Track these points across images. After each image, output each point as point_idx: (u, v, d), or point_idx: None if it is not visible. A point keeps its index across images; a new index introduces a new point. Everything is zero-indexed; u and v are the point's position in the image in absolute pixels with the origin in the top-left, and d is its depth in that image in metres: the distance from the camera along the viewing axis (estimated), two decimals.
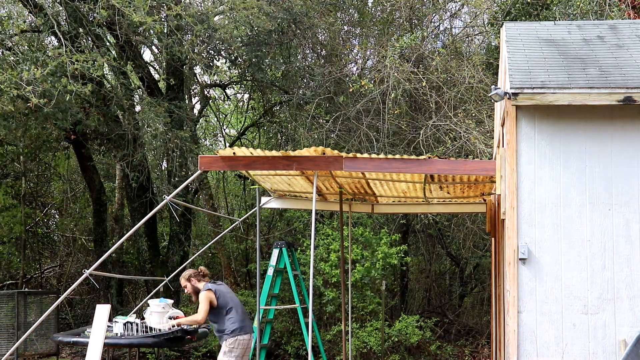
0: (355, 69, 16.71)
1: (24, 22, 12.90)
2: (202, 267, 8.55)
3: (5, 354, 11.80)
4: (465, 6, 16.71)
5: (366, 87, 14.16)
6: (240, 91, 19.00)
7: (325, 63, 15.64)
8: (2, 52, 12.83)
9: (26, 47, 12.90)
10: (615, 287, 6.91)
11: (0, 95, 11.19)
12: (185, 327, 8.32)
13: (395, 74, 13.72)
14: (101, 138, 14.84)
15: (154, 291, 11.83)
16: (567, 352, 6.87)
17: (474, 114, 13.91)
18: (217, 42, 13.82)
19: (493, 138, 12.23)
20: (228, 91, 18.35)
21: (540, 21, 12.12)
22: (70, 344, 11.61)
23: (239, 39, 13.61)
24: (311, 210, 10.37)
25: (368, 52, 16.50)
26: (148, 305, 8.82)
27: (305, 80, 15.71)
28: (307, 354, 13.68)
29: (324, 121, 15.04)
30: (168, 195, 8.22)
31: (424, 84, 13.96)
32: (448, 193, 10.55)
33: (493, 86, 7.28)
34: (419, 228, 16.74)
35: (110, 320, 8.43)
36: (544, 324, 6.91)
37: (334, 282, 13.77)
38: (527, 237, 7.01)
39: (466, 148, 13.38)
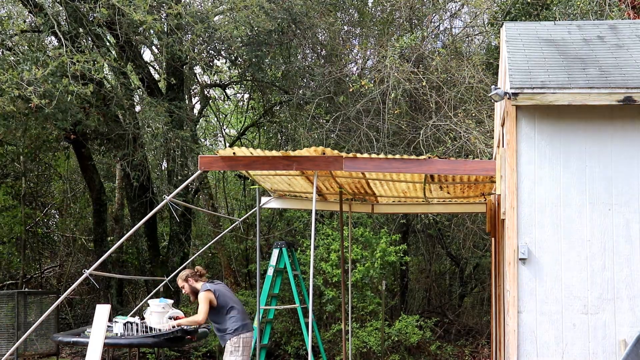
0: (355, 69, 16.71)
1: (24, 22, 12.90)
2: (199, 267, 8.54)
3: (5, 354, 11.80)
4: (465, 6, 16.71)
5: (366, 87, 14.16)
6: (240, 91, 19.01)
7: (325, 63, 15.64)
8: (3, 52, 12.83)
9: (26, 47, 12.90)
10: (615, 287, 6.91)
11: (1, 95, 11.19)
12: (185, 327, 8.32)
13: (395, 74, 13.72)
14: (101, 138, 14.85)
15: (154, 291, 11.83)
16: (567, 352, 6.87)
17: (474, 114, 13.91)
18: (217, 42, 13.82)
19: (493, 138, 12.23)
20: (228, 91, 18.35)
21: (540, 21, 12.12)
22: (70, 344, 11.61)
23: (239, 39, 13.61)
24: (311, 210, 10.37)
25: (368, 52, 16.50)
26: (148, 305, 8.82)
27: (305, 80, 15.71)
28: (307, 354, 13.68)
29: (324, 121, 15.04)
30: (168, 195, 8.22)
31: (424, 84, 13.96)
32: (448, 193, 10.55)
33: (493, 86, 7.28)
34: (419, 228, 16.75)
35: (110, 320, 8.42)
36: (544, 324, 6.92)
37: (334, 282, 13.77)
38: (527, 237, 7.01)
39: (466, 148, 13.38)
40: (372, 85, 14.16)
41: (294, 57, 15.83)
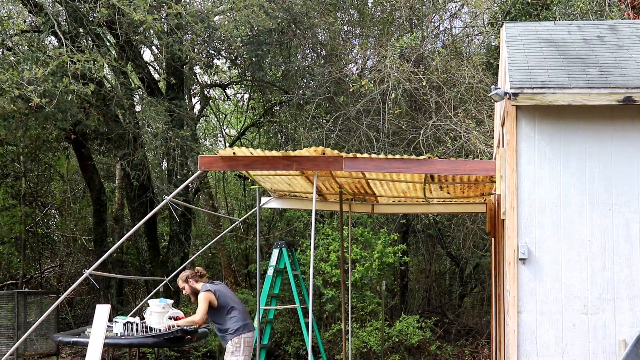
0: (355, 69, 16.71)
1: (24, 22, 12.91)
2: (199, 268, 8.53)
3: (5, 354, 11.80)
4: (465, 6, 16.71)
5: (366, 87, 14.16)
6: (240, 91, 19.00)
7: (325, 63, 15.63)
8: (3, 52, 12.83)
9: (26, 47, 12.90)
10: (615, 287, 6.91)
11: (1, 95, 11.19)
12: (185, 327, 8.32)
13: (395, 74, 13.72)
14: (101, 138, 14.85)
15: (154, 291, 11.83)
16: (567, 352, 6.87)
17: (474, 114, 13.91)
18: (217, 41, 13.82)
19: (493, 138, 12.23)
20: (228, 91, 18.35)
21: (540, 21, 12.12)
22: (70, 344, 11.61)
23: (239, 39, 13.62)
24: (311, 210, 10.37)
25: (368, 52, 16.50)
26: (148, 305, 8.82)
27: (305, 80, 15.71)
28: (307, 354, 13.68)
29: (324, 121, 15.04)
30: (168, 195, 8.21)
31: (424, 84, 13.96)
32: (448, 193, 10.55)
33: (493, 86, 7.28)
34: (419, 228, 16.74)
35: (110, 320, 8.42)
36: (544, 324, 6.91)
37: (333, 282, 13.77)
38: (527, 237, 7.01)
39: (466, 148, 13.38)
40: (372, 85, 14.16)
41: (294, 57, 15.82)
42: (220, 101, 19.51)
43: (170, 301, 8.90)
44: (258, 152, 7.81)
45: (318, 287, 13.88)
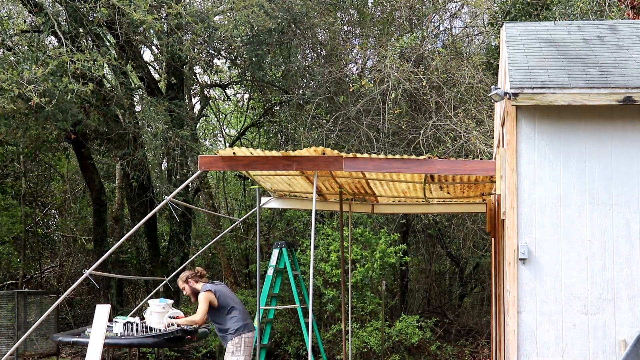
0: (355, 69, 16.71)
1: (24, 21, 12.91)
2: (199, 268, 8.53)
3: (5, 354, 11.80)
4: (465, 6, 16.71)
5: (366, 87, 14.16)
6: (240, 91, 19.01)
7: (325, 63, 15.63)
8: (3, 52, 12.83)
9: (26, 47, 12.90)
10: (615, 287, 6.91)
11: (1, 95, 11.19)
12: (185, 327, 8.31)
13: (395, 74, 13.72)
14: (101, 138, 14.85)
15: (154, 291, 11.83)
16: (567, 352, 6.87)
17: (474, 114, 13.91)
18: (217, 41, 13.82)
19: (493, 138, 12.23)
20: (228, 91, 18.35)
21: (540, 21, 12.12)
22: (70, 344, 11.61)
23: (239, 39, 13.62)
24: (311, 210, 10.37)
25: (368, 52, 16.50)
26: (148, 305, 8.82)
27: (305, 80, 15.71)
28: (307, 354, 13.68)
29: (324, 121, 15.04)
30: (168, 195, 8.21)
31: (424, 83, 13.96)
32: (448, 193, 10.55)
33: (493, 86, 7.28)
34: (419, 228, 16.74)
35: (110, 320, 8.42)
36: (544, 324, 6.91)
37: (334, 282, 13.77)
38: (527, 237, 7.01)
39: (466, 148, 13.38)
40: (372, 85, 14.16)
41: (294, 57, 15.83)
42: (220, 101, 19.52)
43: (170, 301, 8.90)
44: (258, 152, 7.81)
45: (318, 287, 13.88)
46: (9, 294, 13.24)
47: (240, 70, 15.38)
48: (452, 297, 17.92)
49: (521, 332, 6.93)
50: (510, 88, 6.95)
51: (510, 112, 7.07)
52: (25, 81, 10.84)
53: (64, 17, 12.63)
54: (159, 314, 8.61)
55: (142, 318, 8.81)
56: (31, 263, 18.53)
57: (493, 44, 16.01)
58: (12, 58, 11.88)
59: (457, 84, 14.18)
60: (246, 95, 18.73)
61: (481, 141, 13.06)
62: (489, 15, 16.20)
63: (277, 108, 17.01)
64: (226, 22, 13.34)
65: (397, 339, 13.75)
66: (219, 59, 14.84)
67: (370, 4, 17.08)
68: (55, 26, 11.87)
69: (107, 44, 14.21)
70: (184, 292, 8.49)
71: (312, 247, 7.83)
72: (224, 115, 20.04)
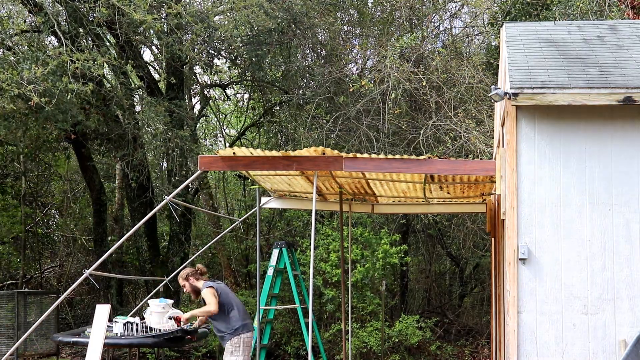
0: (355, 69, 16.71)
1: (24, 21, 12.91)
2: (199, 265, 8.51)
3: (5, 354, 11.80)
4: (465, 6, 16.72)
5: (366, 87, 14.16)
6: (240, 91, 19.01)
7: (325, 63, 15.64)
8: (3, 52, 12.84)
9: (26, 47, 12.91)
10: (615, 287, 6.91)
11: (2, 95, 11.19)
12: (185, 327, 8.31)
13: (395, 74, 13.72)
14: (101, 138, 14.85)
15: (154, 291, 11.83)
16: (567, 352, 6.87)
17: (474, 114, 13.91)
18: (217, 41, 13.82)
19: (493, 138, 12.23)
20: (228, 91, 18.35)
21: (540, 21, 12.12)
22: (70, 344, 11.61)
23: (239, 39, 13.62)
24: (311, 210, 10.37)
25: (368, 52, 16.50)
26: (148, 305, 8.82)
27: (305, 80, 15.71)
28: (307, 354, 13.69)
29: (324, 121, 15.04)
30: (168, 195, 8.21)
31: (424, 83, 13.96)
32: (448, 193, 10.55)
33: (493, 86, 7.28)
34: (419, 228, 16.74)
35: (110, 320, 8.42)
36: (544, 324, 6.91)
37: (333, 282, 13.77)
38: (527, 237, 7.01)
39: (466, 148, 13.38)
40: (372, 85, 14.16)
41: (294, 57, 15.83)
42: (220, 101, 19.52)
43: (170, 301, 8.90)
44: (258, 152, 7.81)
45: (318, 287, 13.88)
46: (9, 294, 13.24)
47: (240, 70, 15.38)
48: (452, 297, 17.92)
49: (521, 332, 6.93)
50: (510, 88, 6.95)
51: (510, 112, 7.07)
52: (25, 81, 10.84)
53: (64, 17, 12.63)
54: (159, 314, 8.61)
55: (142, 318, 8.81)
56: (31, 263, 18.53)
57: (493, 44, 16.01)
58: (12, 58, 11.88)
59: (457, 84, 14.18)
60: (246, 95, 18.73)
61: (481, 141, 13.06)
62: (489, 15, 16.20)
63: (277, 108, 17.01)
64: (226, 22, 13.34)
65: (397, 339, 13.75)
66: (219, 59, 14.85)
67: (370, 4, 17.08)
68: (55, 26, 11.87)
69: (107, 44, 14.21)
70: (185, 290, 8.47)
71: (312, 247, 7.83)
72: (224, 115, 20.04)
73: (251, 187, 16.65)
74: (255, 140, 18.90)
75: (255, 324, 10.37)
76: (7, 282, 17.87)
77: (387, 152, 13.87)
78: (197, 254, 13.25)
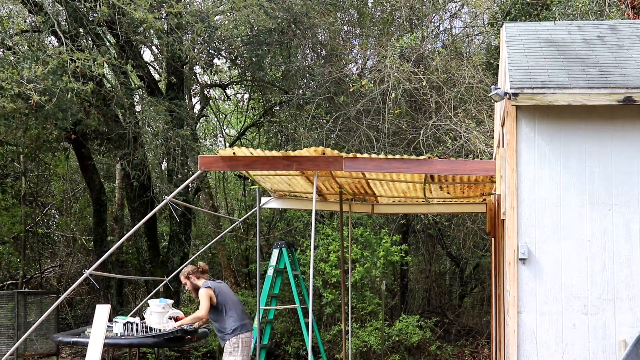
0: (355, 69, 16.71)
1: (24, 21, 12.91)
2: (200, 263, 8.50)
3: (5, 354, 11.80)
4: (465, 6, 16.71)
5: (366, 87, 14.16)
6: (240, 91, 19.01)
7: (325, 63, 15.64)
8: (3, 52, 12.84)
9: (26, 46, 12.91)
10: (615, 287, 6.91)
11: (1, 94, 11.19)
12: (185, 327, 8.31)
13: (396, 74, 13.72)
14: (101, 138, 14.85)
15: (154, 291, 11.83)
16: (567, 352, 6.87)
17: (474, 114, 13.91)
18: (217, 41, 13.82)
19: (493, 138, 12.23)
20: (228, 91, 18.36)
21: (540, 21, 12.12)
22: (70, 344, 11.61)
23: (239, 39, 13.62)
24: (311, 210, 10.37)
25: (368, 52, 16.50)
26: (148, 305, 8.82)
27: (305, 80, 15.71)
28: (307, 354, 13.68)
29: (324, 121, 15.04)
30: (168, 195, 8.21)
31: (424, 83, 13.96)
32: (448, 193, 10.55)
33: (493, 86, 7.28)
34: (419, 228, 16.74)
35: (110, 320, 8.42)
36: (544, 324, 6.91)
37: (333, 282, 13.77)
38: (527, 237, 7.01)
39: (466, 148, 13.38)
40: (372, 85, 14.16)
41: (294, 57, 15.83)
42: (220, 101, 19.52)
43: (170, 301, 8.90)
44: (258, 152, 7.81)
45: (318, 287, 13.88)
46: (9, 294, 13.24)
47: (240, 70, 15.38)
48: (452, 297, 17.92)
49: (521, 332, 6.93)
50: (510, 88, 6.95)
51: (510, 112, 7.07)
52: (25, 80, 10.84)
53: (64, 17, 12.63)
54: (159, 314, 8.61)
55: (142, 318, 8.81)
56: (31, 263, 18.53)
57: (493, 44, 16.01)
58: (12, 57, 11.88)
59: (457, 84, 14.18)
60: (246, 95, 18.73)
61: (481, 141, 13.06)
62: (489, 15, 16.20)
63: (277, 108, 17.01)
64: (226, 22, 13.34)
65: (397, 339, 13.75)
66: (219, 58, 14.85)
67: (370, 4, 17.08)
68: (55, 26, 11.87)
69: (107, 43, 14.21)
70: (186, 288, 8.48)
71: (312, 247, 7.83)
72: (224, 115, 20.04)
73: (251, 187, 16.65)
74: (255, 140, 18.90)
75: (255, 324, 10.37)
76: (7, 282, 17.87)
77: (387, 152, 13.87)
78: (197, 254, 13.25)
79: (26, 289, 15.95)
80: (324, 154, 7.71)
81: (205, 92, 17.48)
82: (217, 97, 19.18)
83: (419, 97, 14.47)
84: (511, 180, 7.03)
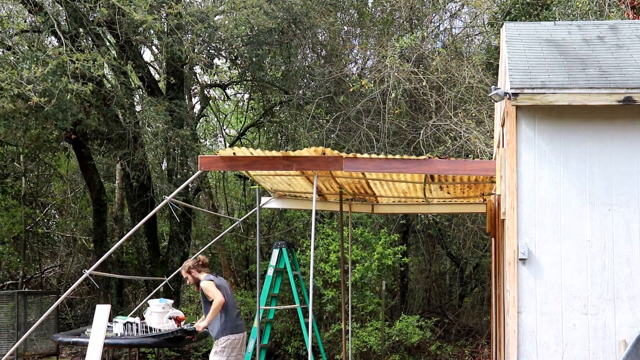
0: (355, 69, 16.72)
1: (24, 21, 12.91)
2: (201, 257, 8.44)
3: (5, 354, 11.80)
4: (465, 6, 16.72)
5: (366, 87, 14.16)
6: (240, 91, 19.01)
7: (325, 63, 15.64)
8: (3, 52, 12.84)
9: (26, 46, 12.91)
10: (615, 288, 6.91)
11: (1, 95, 11.19)
12: (185, 327, 8.31)
13: (395, 74, 13.72)
14: (101, 138, 14.85)
15: (154, 291, 11.83)
16: (567, 352, 6.87)
17: (474, 114, 13.91)
18: (217, 41, 13.82)
19: (493, 138, 12.23)
20: (228, 91, 18.36)
21: (540, 21, 12.12)
22: (70, 344, 11.61)
23: (239, 39, 13.62)
24: (311, 210, 10.37)
25: (368, 52, 16.51)
26: (148, 306, 8.83)
27: (305, 80, 15.72)
28: (307, 354, 13.68)
29: (324, 121, 15.04)
30: (168, 195, 8.21)
31: (424, 84, 13.96)
32: (448, 193, 10.55)
33: (493, 86, 7.28)
34: (419, 228, 16.74)
35: (110, 320, 8.43)
36: (544, 324, 6.91)
37: (333, 282, 13.77)
38: (527, 237, 7.01)
39: (466, 148, 13.38)
40: (372, 85, 14.16)
41: (294, 57, 15.83)
42: (220, 101, 19.52)
43: (170, 301, 8.92)
44: (258, 152, 7.81)
45: (318, 287, 13.88)
46: (9, 294, 13.24)
47: (240, 70, 15.38)
48: (452, 297, 17.92)
49: (521, 332, 6.93)
50: (510, 88, 6.95)
51: (510, 112, 7.07)
52: (25, 81, 10.84)
53: (64, 17, 12.63)
54: (159, 314, 8.62)
55: (142, 318, 8.82)
56: (31, 263, 18.53)
57: (493, 44, 16.01)
58: (12, 58, 11.88)
59: (457, 84, 14.18)
60: (246, 96, 18.73)
61: (481, 141, 13.06)
62: (489, 15, 16.20)
63: (277, 108, 17.02)
64: (226, 22, 13.34)
65: (397, 339, 13.75)
66: (219, 59, 14.85)
67: (370, 4, 17.08)
68: (55, 26, 11.87)
69: (107, 44, 14.21)
70: (187, 282, 8.46)
71: (312, 247, 7.83)
72: (224, 115, 20.04)
73: (251, 187, 16.65)
74: (255, 141, 18.90)
75: (255, 324, 10.36)
76: (7, 282, 17.88)
77: (387, 152, 13.87)
78: (197, 254, 13.24)
79: (26, 289, 15.95)
80: (324, 154, 7.71)
81: (205, 92, 17.48)
82: (217, 97, 19.18)
83: (419, 97, 14.47)
84: (511, 180, 7.03)
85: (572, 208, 6.99)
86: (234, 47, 13.65)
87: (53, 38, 13.76)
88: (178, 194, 8.79)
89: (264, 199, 10.74)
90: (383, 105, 14.20)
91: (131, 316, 9.22)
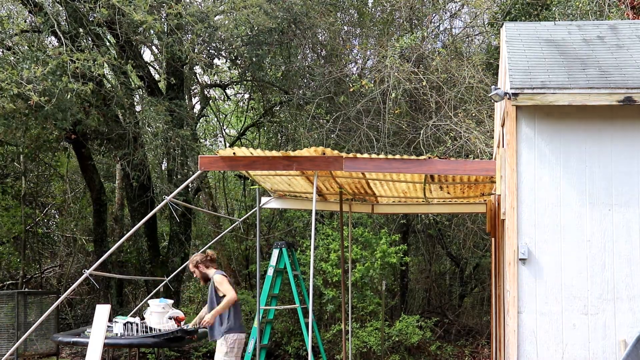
0: (355, 69, 16.72)
1: (24, 21, 12.90)
2: (209, 251, 8.40)
3: (5, 354, 11.80)
4: (465, 6, 16.72)
5: (366, 87, 14.16)
6: (240, 91, 19.01)
7: (325, 63, 15.64)
8: (2, 52, 12.84)
9: (26, 47, 12.90)
10: (615, 288, 6.91)
11: (1, 95, 11.19)
12: (185, 327, 8.31)
13: (396, 74, 13.72)
14: (101, 138, 14.85)
15: (154, 291, 11.83)
16: (567, 352, 6.87)
17: (474, 114, 13.91)
18: (217, 41, 13.83)
19: (493, 138, 12.23)
20: (228, 91, 18.36)
21: (540, 21, 12.12)
22: (70, 344, 11.62)
23: (239, 39, 13.62)
24: (311, 210, 10.37)
25: (368, 52, 16.51)
26: (148, 306, 8.83)
27: (305, 80, 15.72)
28: (307, 354, 13.69)
29: (324, 121, 15.05)
30: (168, 195, 8.21)
31: (424, 84, 13.96)
32: (448, 193, 10.55)
33: (493, 86, 7.28)
34: (419, 228, 16.74)
35: (110, 320, 8.43)
36: (544, 324, 6.91)
37: (334, 282, 13.77)
38: (527, 237, 7.01)
39: (466, 148, 13.38)
40: (372, 85, 14.16)
41: (294, 57, 15.83)
42: (221, 101, 19.52)
43: (170, 301, 8.91)
44: (258, 152, 7.81)
45: (318, 287, 13.88)
46: (9, 294, 13.24)
47: (240, 70, 15.38)
48: (452, 297, 17.92)
49: (521, 332, 6.93)
50: (510, 88, 6.95)
51: (510, 113, 7.07)
52: (25, 80, 10.84)
53: (64, 17, 12.63)
54: (159, 314, 8.61)
55: (142, 318, 8.82)
56: (31, 263, 18.53)
57: (493, 44, 16.02)
58: (12, 58, 11.88)
59: (457, 84, 14.19)
60: (246, 96, 18.73)
61: (481, 141, 13.06)
62: (489, 15, 16.20)
63: (277, 108, 17.02)
64: (226, 22, 13.34)
65: (397, 339, 13.75)
66: (219, 59, 14.85)
67: (370, 4, 17.09)
68: (55, 26, 11.87)
69: (107, 44, 14.21)
70: (194, 276, 8.43)
71: (312, 247, 7.83)
72: (224, 116, 20.04)
73: (251, 187, 16.65)
74: (255, 141, 18.90)
75: (255, 324, 10.36)
76: (7, 282, 17.87)
77: (387, 152, 13.87)
78: (204, 248, 13.25)
79: (26, 289, 15.95)
80: (324, 154, 7.71)
81: (205, 92, 17.48)
82: (217, 97, 19.18)
83: (419, 97, 14.48)
84: (511, 181, 7.03)
85: (572, 208, 6.99)
86: (234, 47, 13.65)
87: (53, 38, 13.76)
88: (178, 194, 8.78)
89: (264, 199, 10.74)
90: (383, 105, 14.20)
91: (131, 316, 9.22)
